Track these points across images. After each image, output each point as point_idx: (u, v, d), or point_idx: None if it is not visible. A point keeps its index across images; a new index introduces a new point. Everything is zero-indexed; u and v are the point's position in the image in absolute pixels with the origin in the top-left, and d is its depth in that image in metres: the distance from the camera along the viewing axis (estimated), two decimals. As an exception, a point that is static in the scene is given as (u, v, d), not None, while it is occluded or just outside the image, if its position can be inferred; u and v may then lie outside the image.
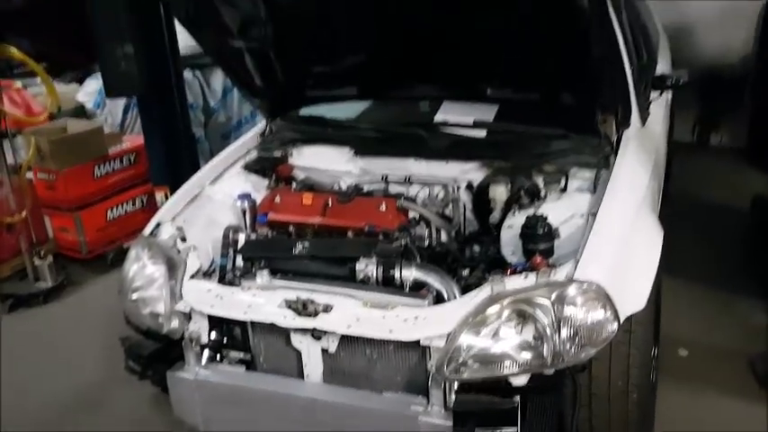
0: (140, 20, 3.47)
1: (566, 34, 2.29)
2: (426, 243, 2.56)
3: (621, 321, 1.87)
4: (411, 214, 2.59)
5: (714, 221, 4.26)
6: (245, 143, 3.03)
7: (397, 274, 2.17)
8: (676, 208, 3.63)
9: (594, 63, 2.38)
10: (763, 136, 4.71)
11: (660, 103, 3.40)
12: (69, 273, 4.25)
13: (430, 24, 2.53)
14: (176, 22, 3.45)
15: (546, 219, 2.24)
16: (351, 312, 2.03)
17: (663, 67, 4.00)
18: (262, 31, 2.73)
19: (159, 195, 3.96)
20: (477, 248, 2.53)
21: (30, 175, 4.27)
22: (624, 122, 2.62)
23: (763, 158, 4.46)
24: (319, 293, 2.10)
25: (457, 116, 2.87)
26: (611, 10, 2.19)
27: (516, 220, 2.36)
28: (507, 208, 2.50)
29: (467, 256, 2.52)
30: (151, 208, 4.14)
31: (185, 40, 3.23)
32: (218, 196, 2.74)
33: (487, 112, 2.87)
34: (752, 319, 3.26)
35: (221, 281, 2.41)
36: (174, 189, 2.83)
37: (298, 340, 2.11)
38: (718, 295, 3.46)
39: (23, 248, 4.08)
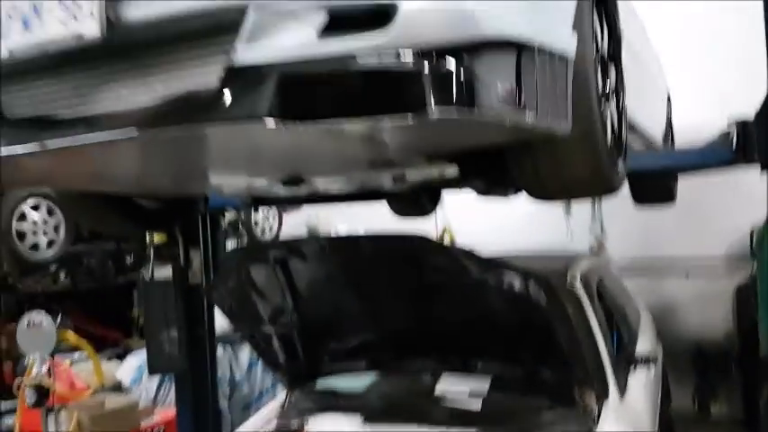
0: (187, 308, 4.09)
1: (537, 323, 2.76)
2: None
3: None
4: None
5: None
6: (267, 413, 3.40)
7: None
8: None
9: (566, 346, 2.82)
10: (755, 407, 4.93)
11: (642, 377, 3.76)
12: None
13: (427, 312, 3.07)
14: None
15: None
16: None
17: (645, 344, 4.41)
18: (287, 317, 3.27)
19: (183, 466, 4.21)
20: None
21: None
22: (603, 395, 2.98)
23: (758, 428, 4.64)
24: None
25: (455, 388, 3.25)
26: (571, 308, 2.68)
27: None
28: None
29: None
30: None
31: (220, 322, 3.79)
32: (240, 465, 3.05)
33: (482, 384, 3.26)
34: None
35: None
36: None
37: None
38: None
39: None
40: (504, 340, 3.04)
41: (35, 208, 5.26)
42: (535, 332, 2.84)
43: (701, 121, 4.19)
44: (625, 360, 3.60)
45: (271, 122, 1.37)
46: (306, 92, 1.38)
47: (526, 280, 2.56)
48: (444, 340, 3.19)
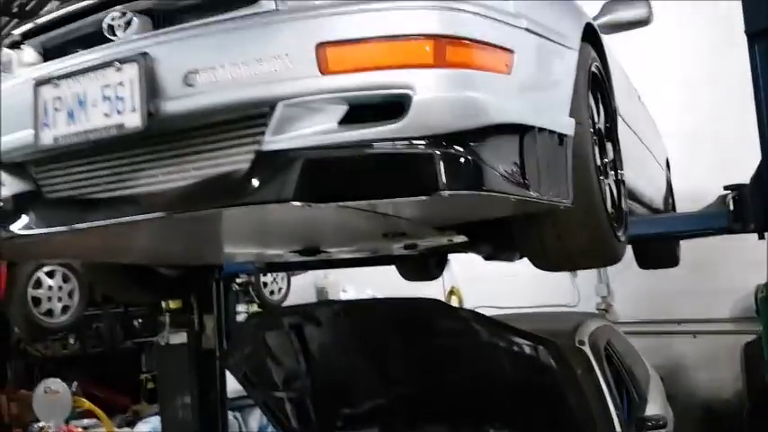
0: (200, 373, 4.14)
1: (547, 387, 2.81)
2: None
3: None
4: None
5: None
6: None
7: None
8: None
9: (576, 409, 2.86)
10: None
11: (655, 440, 3.77)
12: None
13: (439, 376, 3.12)
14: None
15: None
16: None
17: (655, 407, 4.41)
18: (301, 383, 3.33)
19: None
20: None
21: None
22: (614, 460, 3.02)
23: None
24: None
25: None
26: (580, 371, 2.75)
27: None
28: None
29: None
30: None
31: (229, 384, 3.81)
32: None
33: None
34: None
35: None
36: None
37: None
38: None
39: None
40: (514, 404, 3.09)
41: (50, 274, 5.38)
42: (545, 396, 2.89)
43: (704, 184, 4.30)
44: (635, 424, 3.62)
45: (296, 203, 1.50)
46: (328, 175, 1.52)
47: (536, 344, 2.63)
48: (456, 405, 3.23)
